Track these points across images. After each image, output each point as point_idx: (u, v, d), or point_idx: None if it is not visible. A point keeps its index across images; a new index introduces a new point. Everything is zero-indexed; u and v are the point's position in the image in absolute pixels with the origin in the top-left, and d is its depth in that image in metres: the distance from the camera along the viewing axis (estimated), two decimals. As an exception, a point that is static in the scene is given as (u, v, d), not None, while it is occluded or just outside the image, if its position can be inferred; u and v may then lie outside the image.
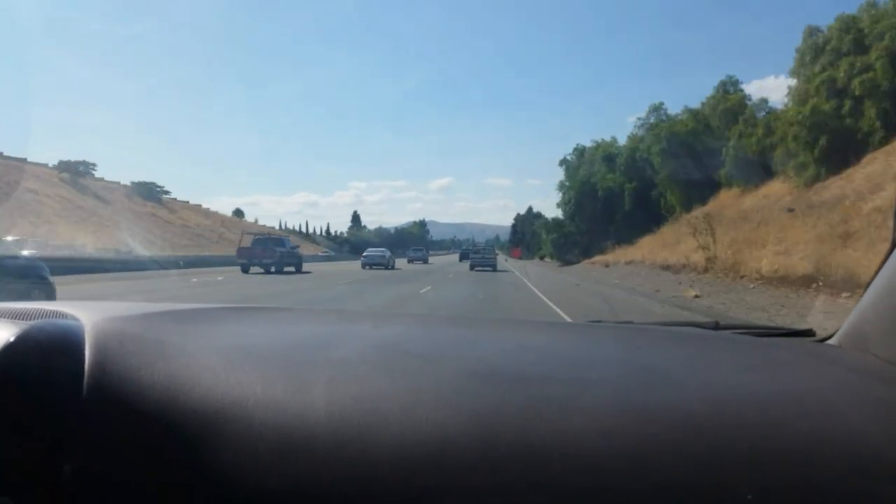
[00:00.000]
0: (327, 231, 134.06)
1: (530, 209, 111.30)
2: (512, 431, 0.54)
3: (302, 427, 0.54)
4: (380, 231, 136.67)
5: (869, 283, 0.85)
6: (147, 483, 0.54)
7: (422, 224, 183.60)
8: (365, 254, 38.40)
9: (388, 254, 38.63)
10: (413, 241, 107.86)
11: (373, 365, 0.68)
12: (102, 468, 0.54)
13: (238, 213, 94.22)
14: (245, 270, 25.40)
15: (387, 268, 35.34)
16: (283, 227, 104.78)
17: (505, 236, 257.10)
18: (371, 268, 34.04)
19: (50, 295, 8.04)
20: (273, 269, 25.69)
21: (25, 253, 14.61)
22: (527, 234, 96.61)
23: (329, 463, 0.52)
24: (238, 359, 0.65)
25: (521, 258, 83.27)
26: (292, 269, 27.07)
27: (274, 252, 26.22)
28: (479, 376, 0.64)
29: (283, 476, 0.52)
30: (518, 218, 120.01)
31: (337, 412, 0.56)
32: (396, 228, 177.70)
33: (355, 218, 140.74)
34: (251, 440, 0.54)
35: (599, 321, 1.36)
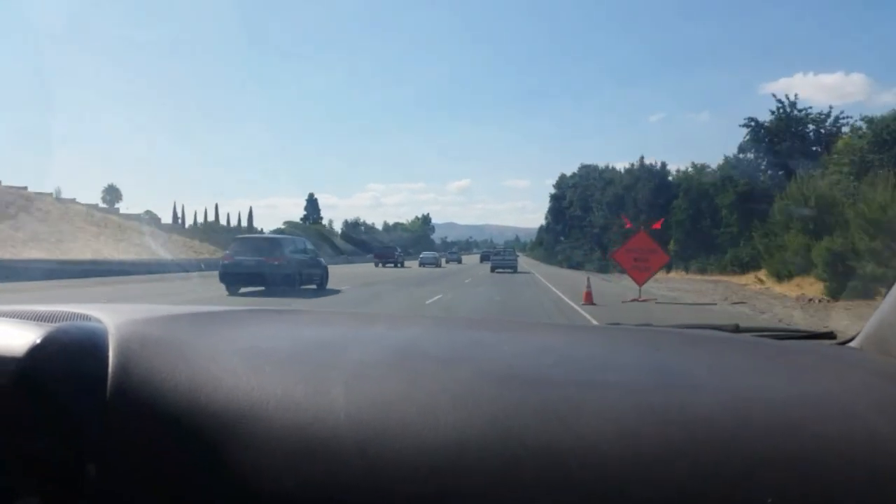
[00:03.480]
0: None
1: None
2: (530, 434, 0.54)
3: (321, 429, 0.55)
4: (368, 229, 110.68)
5: (891, 286, 0.84)
6: (169, 484, 0.54)
7: (425, 220, 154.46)
8: (421, 255, 54.66)
9: (438, 255, 59.36)
10: (413, 241, 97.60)
11: (390, 367, 0.68)
12: (126, 469, 0.55)
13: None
14: (232, 291, 14.80)
15: (437, 266, 48.60)
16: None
17: (524, 237, 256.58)
18: (424, 266, 47.16)
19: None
20: (280, 283, 14.84)
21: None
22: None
23: (348, 465, 0.52)
24: (258, 361, 0.66)
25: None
26: (313, 285, 16.88)
27: (280, 258, 15.33)
28: (496, 379, 0.64)
29: (303, 478, 0.52)
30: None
31: (356, 414, 0.56)
32: (387, 225, 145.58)
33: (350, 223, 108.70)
34: (272, 442, 0.54)
35: (618, 324, 1.35)
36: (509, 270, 36.67)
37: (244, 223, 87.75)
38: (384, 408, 0.57)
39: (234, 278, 14.86)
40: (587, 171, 72.34)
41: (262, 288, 15.13)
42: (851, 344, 0.90)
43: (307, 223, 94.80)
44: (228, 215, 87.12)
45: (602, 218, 58.08)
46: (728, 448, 0.52)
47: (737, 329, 1.14)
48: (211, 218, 78.08)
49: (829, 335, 1.02)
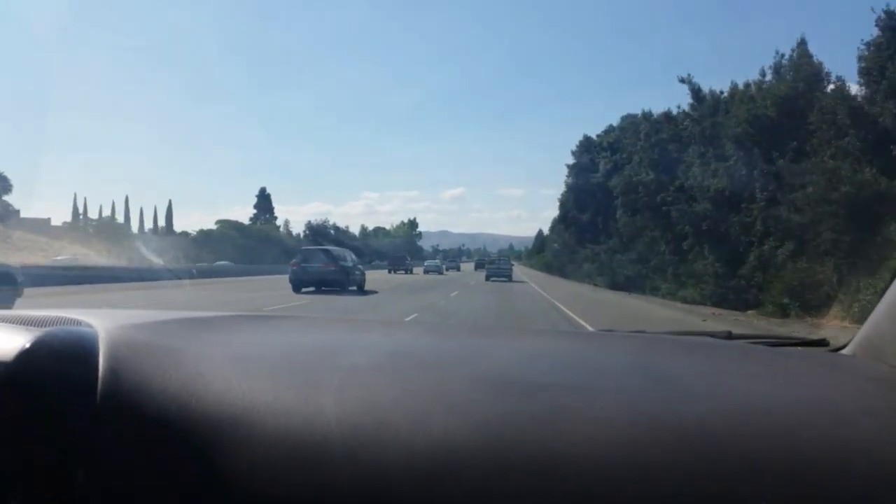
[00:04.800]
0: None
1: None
2: (523, 440, 0.53)
3: (312, 435, 0.55)
4: (340, 233, 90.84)
5: (883, 293, 0.84)
6: (159, 490, 0.54)
7: (412, 225, 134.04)
8: (426, 264, 57.03)
9: (441, 263, 60.73)
10: (397, 249, 79.73)
11: (383, 373, 0.68)
12: (115, 475, 0.55)
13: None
14: (297, 291, 18.75)
15: (440, 273, 50.20)
16: (300, 235, 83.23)
17: (518, 246, 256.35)
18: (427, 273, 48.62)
19: None
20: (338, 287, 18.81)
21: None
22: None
23: (340, 471, 0.52)
24: (250, 366, 0.65)
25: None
26: (354, 287, 20.53)
27: (334, 266, 19.42)
28: (490, 385, 0.63)
29: (293, 483, 0.52)
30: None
31: (347, 420, 0.56)
32: (365, 229, 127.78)
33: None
34: (263, 448, 0.54)
35: (611, 330, 1.35)
36: (504, 279, 36.67)
37: (161, 222, 77.86)
38: (376, 414, 0.57)
39: (300, 282, 19.05)
40: (635, 125, 35.44)
41: (312, 288, 18.95)
42: (844, 351, 0.90)
43: (257, 222, 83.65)
44: (142, 210, 77.62)
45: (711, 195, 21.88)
46: (722, 454, 0.52)
47: (730, 336, 1.14)
48: (119, 216, 68.45)
49: (822, 342, 1.02)
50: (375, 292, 20.47)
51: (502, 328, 1.11)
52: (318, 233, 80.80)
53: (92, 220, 65.30)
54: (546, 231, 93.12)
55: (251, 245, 61.31)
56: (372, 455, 0.53)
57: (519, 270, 60.88)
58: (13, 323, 0.69)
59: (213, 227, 69.64)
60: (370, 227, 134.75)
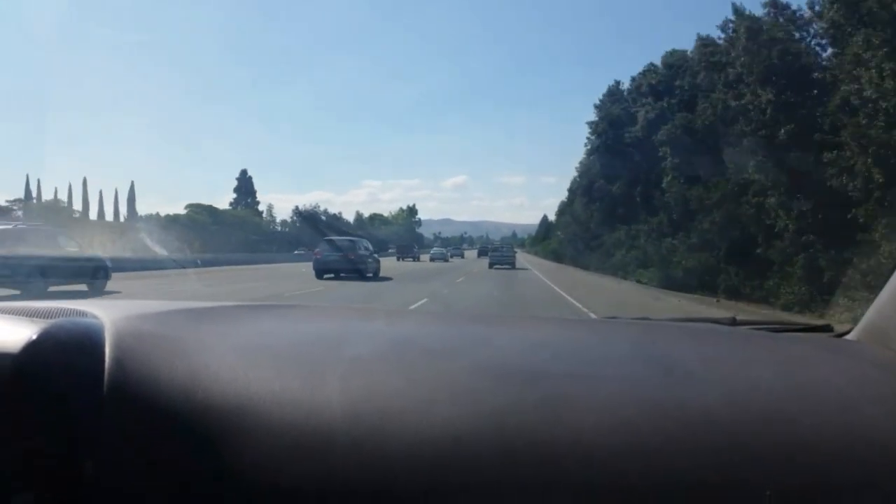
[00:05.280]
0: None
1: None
2: (527, 428, 0.54)
3: (318, 424, 0.55)
4: (332, 219, 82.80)
5: (888, 279, 0.84)
6: (166, 480, 0.54)
7: (411, 212, 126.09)
8: (431, 251, 58.37)
9: (446, 252, 59.59)
10: (396, 237, 78.67)
11: (387, 362, 0.68)
12: (123, 465, 0.55)
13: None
14: (319, 277, 20.56)
15: (445, 261, 51.18)
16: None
17: (521, 233, 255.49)
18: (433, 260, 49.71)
19: None
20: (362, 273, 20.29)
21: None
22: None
23: (344, 460, 0.52)
24: (255, 356, 0.66)
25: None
26: (370, 274, 22.04)
27: (354, 255, 21.22)
28: (493, 373, 0.64)
29: (299, 472, 0.53)
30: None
31: (352, 409, 0.56)
32: (360, 216, 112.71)
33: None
34: (269, 437, 0.54)
35: (615, 317, 1.35)
36: (507, 266, 36.53)
37: (123, 209, 68.80)
38: (380, 403, 0.57)
39: (322, 269, 20.93)
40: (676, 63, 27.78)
41: (331, 275, 20.55)
42: (848, 336, 0.90)
43: (238, 207, 75.30)
44: (101, 193, 70.21)
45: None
46: (726, 441, 0.52)
47: (734, 322, 1.14)
48: (77, 202, 60.51)
49: (827, 328, 1.02)
50: (390, 279, 22.04)
51: (505, 316, 1.11)
52: (308, 219, 74.11)
53: (46, 202, 58.00)
54: (552, 217, 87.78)
55: (225, 232, 54.83)
56: (376, 444, 0.53)
57: (525, 259, 59.61)
58: (19, 314, 0.70)
59: (182, 211, 62.23)
60: (367, 214, 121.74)
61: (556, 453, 0.51)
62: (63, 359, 0.59)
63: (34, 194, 62.33)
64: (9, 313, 0.70)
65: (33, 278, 10.86)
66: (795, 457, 0.50)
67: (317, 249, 22.73)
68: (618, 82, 38.90)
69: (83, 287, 12.86)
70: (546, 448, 0.52)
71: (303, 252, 44.90)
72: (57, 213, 48.48)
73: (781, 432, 0.53)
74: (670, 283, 20.78)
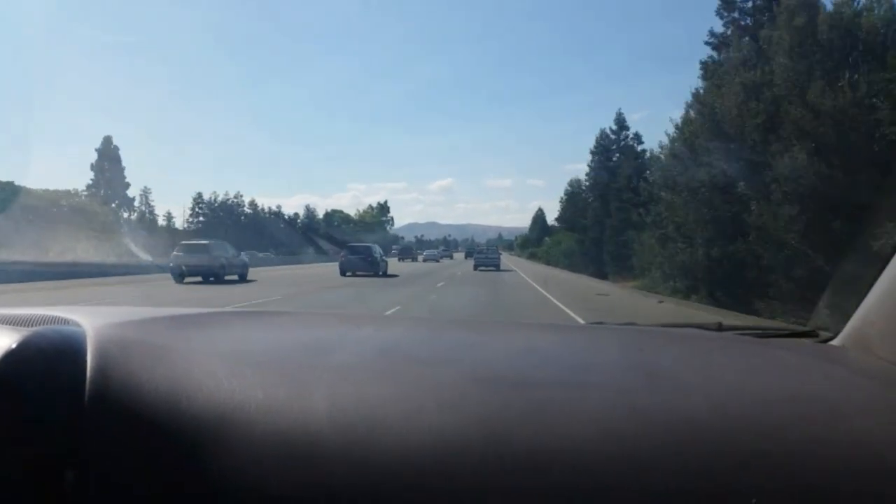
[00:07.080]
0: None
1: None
2: (515, 436, 0.53)
3: (303, 432, 0.54)
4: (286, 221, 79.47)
5: (872, 285, 0.84)
6: (149, 489, 0.54)
7: (382, 209, 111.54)
8: (425, 253, 66.31)
9: (437, 253, 67.90)
10: (362, 237, 63.69)
11: (374, 369, 0.68)
12: (105, 474, 0.54)
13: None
14: (344, 274, 26.01)
15: (437, 261, 58.60)
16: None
17: (508, 235, 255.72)
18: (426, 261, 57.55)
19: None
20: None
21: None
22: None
23: (331, 468, 0.52)
24: (240, 363, 0.65)
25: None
26: (380, 271, 27.48)
27: (369, 256, 27.17)
28: (481, 380, 0.63)
29: (284, 481, 0.52)
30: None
31: (338, 417, 0.55)
32: (328, 214, 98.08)
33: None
34: (253, 446, 0.53)
35: (602, 322, 1.35)
36: (492, 268, 36.81)
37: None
38: (368, 411, 0.56)
39: (346, 268, 26.53)
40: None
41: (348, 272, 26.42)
42: (833, 342, 0.91)
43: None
44: None
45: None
46: (713, 448, 0.52)
47: (720, 327, 1.14)
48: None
49: (812, 333, 1.02)
50: (397, 276, 27.16)
51: (493, 322, 1.11)
52: (264, 222, 70.27)
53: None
54: (549, 217, 77.33)
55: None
56: (364, 452, 0.52)
57: (516, 264, 56.38)
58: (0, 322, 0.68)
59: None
60: (325, 211, 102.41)
61: (542, 460, 0.51)
62: (44, 367, 0.58)
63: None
64: None
65: (224, 273, 20.15)
66: (781, 464, 0.50)
67: (341, 254, 29.15)
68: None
69: (235, 277, 21.31)
70: (533, 455, 0.51)
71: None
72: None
73: (767, 439, 0.53)
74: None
